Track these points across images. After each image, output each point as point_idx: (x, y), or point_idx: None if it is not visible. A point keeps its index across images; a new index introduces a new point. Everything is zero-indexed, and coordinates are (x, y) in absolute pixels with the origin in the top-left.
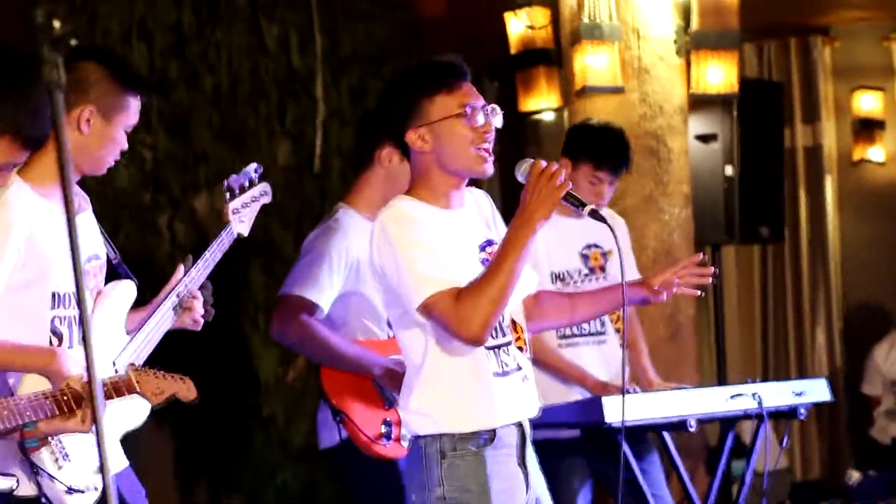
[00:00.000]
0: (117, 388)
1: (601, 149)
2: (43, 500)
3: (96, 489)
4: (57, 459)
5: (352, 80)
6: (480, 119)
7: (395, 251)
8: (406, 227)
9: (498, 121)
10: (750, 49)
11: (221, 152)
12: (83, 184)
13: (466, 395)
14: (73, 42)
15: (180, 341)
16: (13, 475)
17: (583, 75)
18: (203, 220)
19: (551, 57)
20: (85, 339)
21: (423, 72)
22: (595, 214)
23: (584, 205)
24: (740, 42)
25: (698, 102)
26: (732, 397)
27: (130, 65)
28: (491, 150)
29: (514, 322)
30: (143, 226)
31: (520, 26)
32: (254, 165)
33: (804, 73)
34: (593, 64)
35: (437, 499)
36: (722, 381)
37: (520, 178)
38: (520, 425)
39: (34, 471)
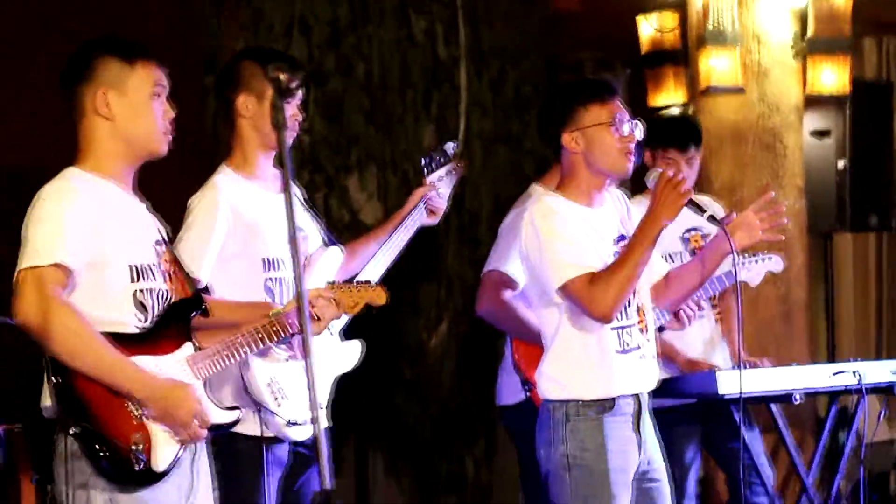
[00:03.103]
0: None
1: (679, 132)
2: (266, 434)
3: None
4: (277, 399)
5: (492, 71)
6: (626, 129)
7: (541, 240)
8: (551, 219)
9: (639, 133)
10: (870, 44)
11: (371, 136)
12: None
13: (591, 367)
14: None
15: None
16: (238, 408)
17: (707, 76)
18: (353, 198)
19: (678, 57)
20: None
21: (580, 85)
22: (713, 220)
23: (703, 210)
24: (855, 42)
25: (813, 102)
26: (835, 374)
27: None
28: (632, 156)
29: (639, 307)
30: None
31: (650, 28)
32: (451, 144)
33: None
34: (717, 65)
35: (561, 455)
36: (832, 360)
37: (649, 184)
38: (636, 396)
39: (258, 409)
